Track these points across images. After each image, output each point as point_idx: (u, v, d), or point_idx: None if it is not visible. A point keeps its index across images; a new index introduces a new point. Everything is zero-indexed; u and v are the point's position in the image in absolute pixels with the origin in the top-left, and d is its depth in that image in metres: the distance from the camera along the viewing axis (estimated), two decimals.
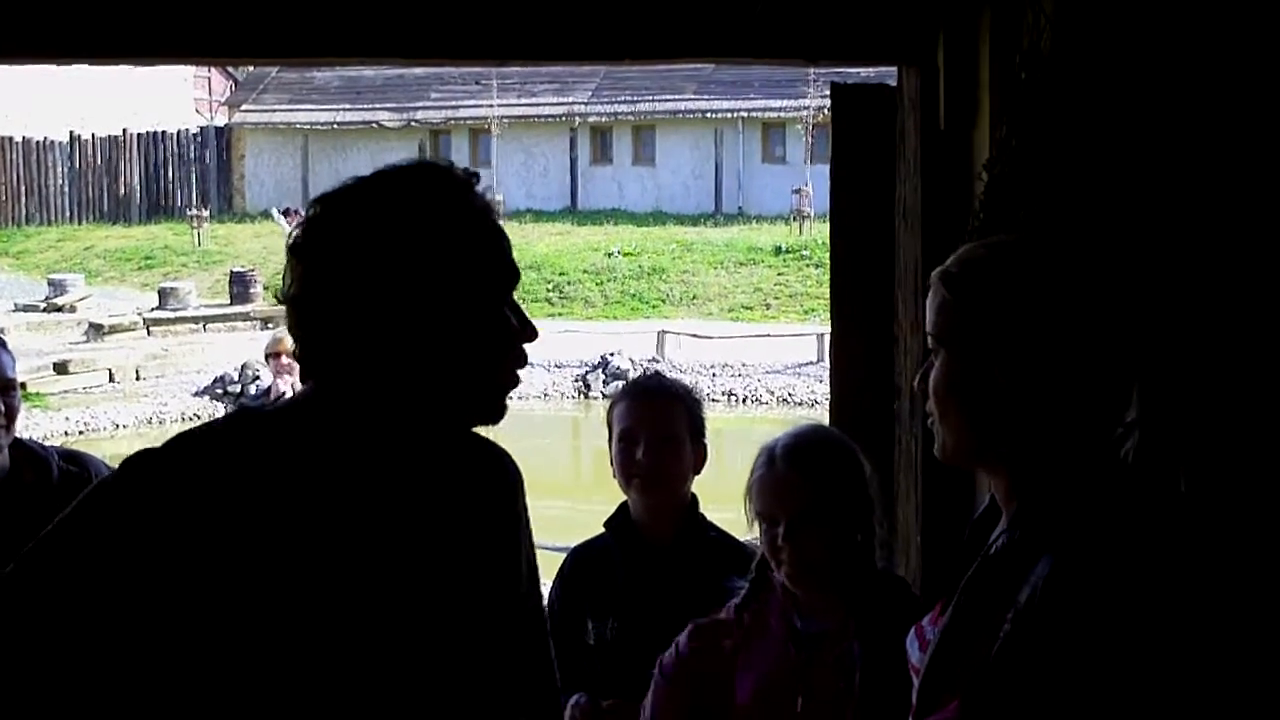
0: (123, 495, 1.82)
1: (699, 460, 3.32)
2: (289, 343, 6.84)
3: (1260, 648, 1.97)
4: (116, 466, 1.90)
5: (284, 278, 1.94)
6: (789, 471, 2.74)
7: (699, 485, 3.36)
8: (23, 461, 3.34)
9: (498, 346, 1.95)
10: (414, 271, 1.86)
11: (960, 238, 2.94)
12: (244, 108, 37.43)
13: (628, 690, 3.13)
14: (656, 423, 3.26)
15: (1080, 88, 2.65)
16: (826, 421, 3.60)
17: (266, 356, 6.93)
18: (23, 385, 22.04)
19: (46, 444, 3.53)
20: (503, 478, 2.10)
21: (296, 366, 6.45)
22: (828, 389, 4.07)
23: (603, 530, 3.40)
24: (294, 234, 1.92)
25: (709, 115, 34.15)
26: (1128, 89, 2.58)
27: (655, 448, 3.23)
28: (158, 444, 1.88)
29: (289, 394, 6.53)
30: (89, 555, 1.76)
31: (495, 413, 1.97)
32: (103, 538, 1.77)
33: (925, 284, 3.29)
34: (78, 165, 35.99)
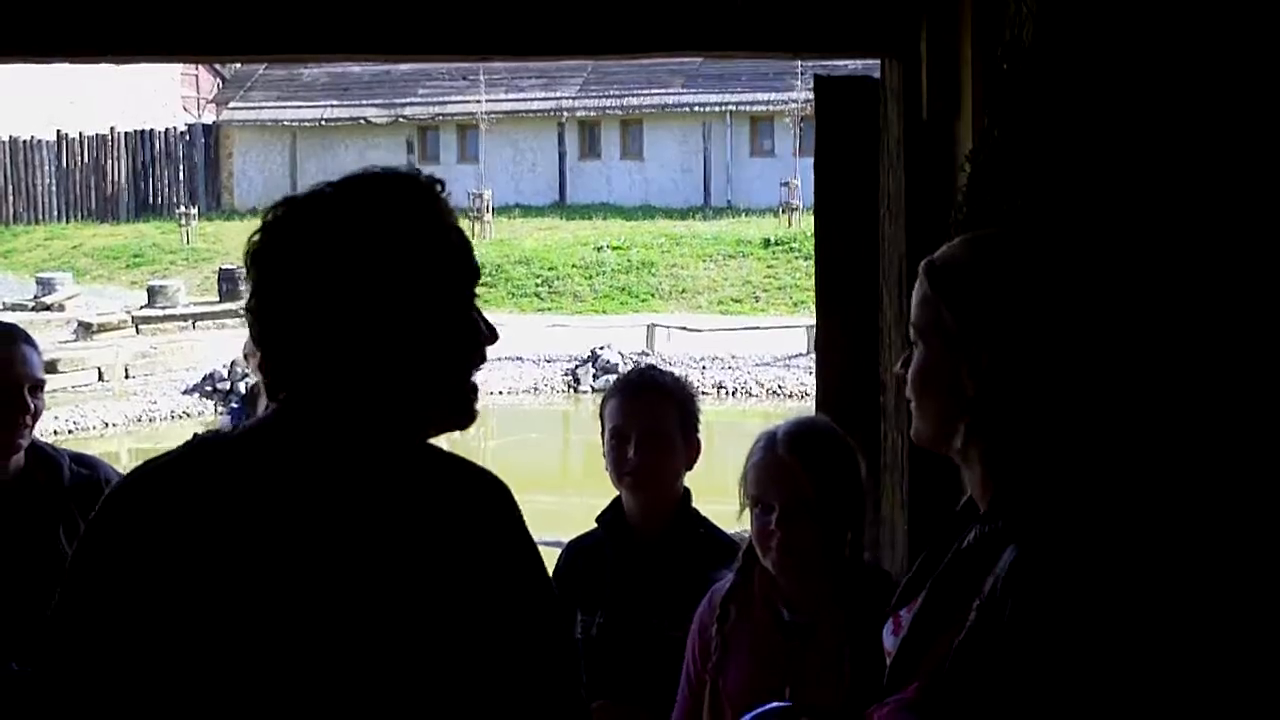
0: (99, 544, 1.85)
1: (692, 455, 3.32)
2: None
3: (1221, 648, 2.00)
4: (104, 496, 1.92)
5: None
6: (789, 456, 2.73)
7: (689, 477, 3.36)
8: (35, 463, 3.33)
9: (467, 349, 1.93)
10: (382, 278, 1.85)
11: (944, 228, 2.95)
12: (231, 105, 37.35)
13: (612, 686, 3.13)
14: (647, 420, 3.25)
15: (1062, 78, 2.66)
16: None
17: (245, 356, 6.91)
18: None
19: (59, 446, 3.52)
20: (488, 499, 2.00)
21: None
22: None
23: (595, 525, 3.41)
24: (253, 240, 1.89)
25: (697, 109, 34.13)
26: (1109, 79, 2.58)
27: (646, 446, 3.23)
28: (147, 450, 1.89)
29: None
30: (89, 604, 1.83)
31: (467, 416, 1.95)
32: (93, 587, 1.83)
33: (910, 275, 3.30)
34: (65, 164, 35.89)
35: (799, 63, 21.72)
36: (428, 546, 1.88)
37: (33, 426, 3.29)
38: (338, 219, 1.87)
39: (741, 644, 2.79)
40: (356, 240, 1.85)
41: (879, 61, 3.45)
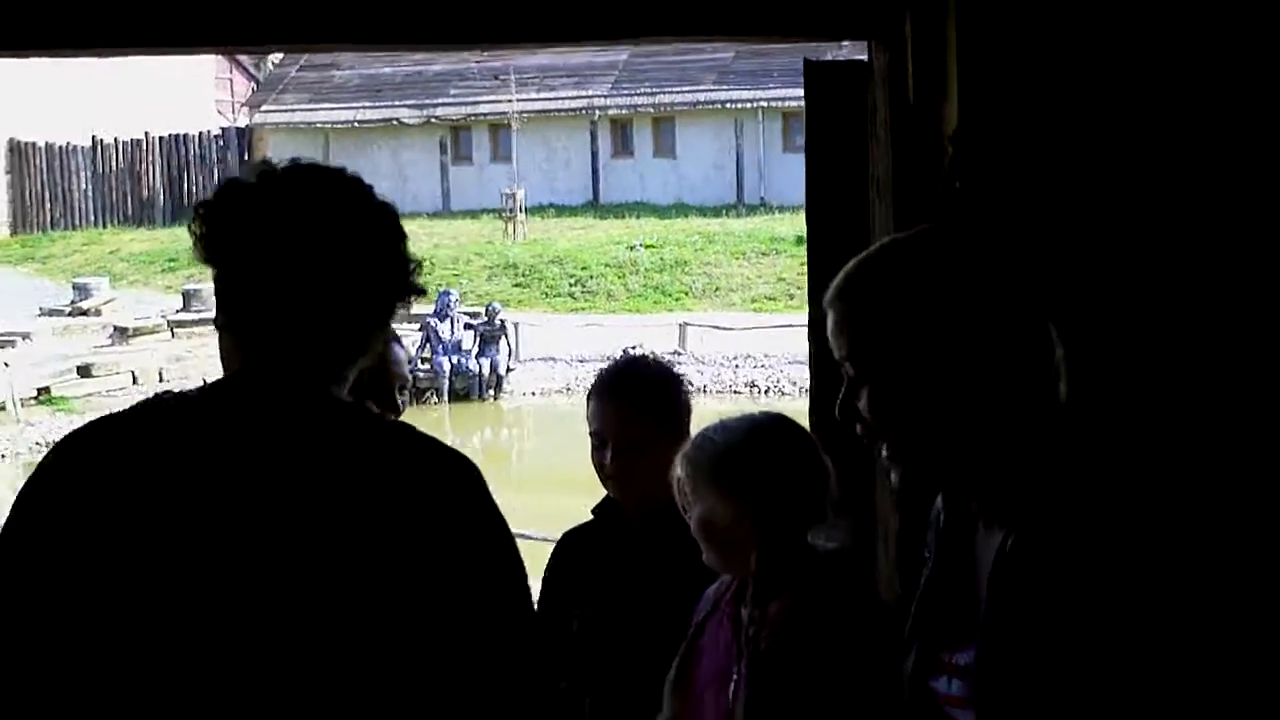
0: (33, 495, 1.89)
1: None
2: None
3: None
4: None
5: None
6: (680, 474, 2.78)
7: None
8: None
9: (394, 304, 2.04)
10: (340, 247, 1.96)
11: (931, 209, 2.92)
12: (265, 108, 37.59)
13: (603, 675, 3.10)
14: (620, 428, 3.19)
15: (1045, 60, 2.64)
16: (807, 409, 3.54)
17: None
18: (47, 390, 21.72)
19: None
20: (450, 479, 1.95)
21: None
22: None
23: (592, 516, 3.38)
24: (200, 231, 2.06)
25: (729, 105, 34.13)
26: (1091, 62, 2.57)
27: (621, 452, 3.18)
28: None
29: None
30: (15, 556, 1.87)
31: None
32: (23, 540, 1.87)
33: None
34: (100, 169, 36.24)
35: (830, 54, 21.73)
36: (371, 518, 1.87)
37: None
38: (298, 196, 1.99)
39: (713, 634, 2.82)
40: (325, 211, 1.98)
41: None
